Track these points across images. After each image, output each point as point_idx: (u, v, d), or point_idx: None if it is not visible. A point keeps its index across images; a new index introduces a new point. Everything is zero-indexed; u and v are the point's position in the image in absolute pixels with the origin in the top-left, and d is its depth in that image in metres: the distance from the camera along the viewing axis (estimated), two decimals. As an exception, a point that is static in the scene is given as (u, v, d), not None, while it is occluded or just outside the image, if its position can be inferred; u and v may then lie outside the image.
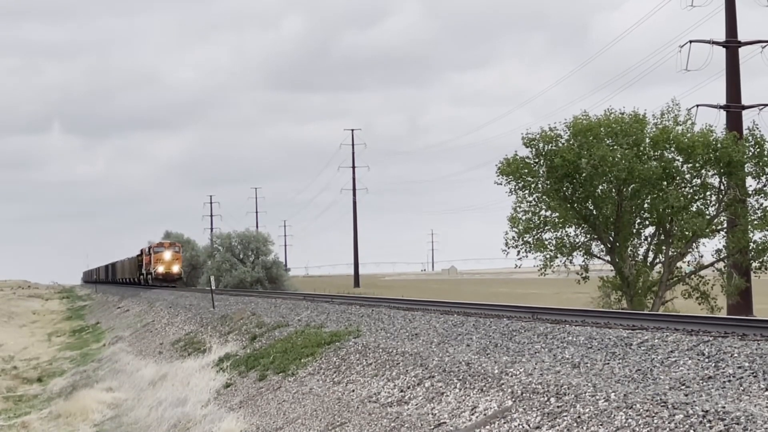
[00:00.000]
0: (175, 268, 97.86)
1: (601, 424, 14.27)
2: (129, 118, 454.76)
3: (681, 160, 45.27)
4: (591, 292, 47.68)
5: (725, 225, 46.74)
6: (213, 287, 56.67)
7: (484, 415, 16.98)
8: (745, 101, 54.44)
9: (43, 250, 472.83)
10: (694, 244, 46.00)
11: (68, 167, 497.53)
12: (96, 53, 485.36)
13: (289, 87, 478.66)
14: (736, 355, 16.24)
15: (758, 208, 45.36)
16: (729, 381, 14.98)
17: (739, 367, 15.49)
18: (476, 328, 24.53)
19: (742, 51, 55.32)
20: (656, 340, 18.60)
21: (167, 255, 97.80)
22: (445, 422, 17.62)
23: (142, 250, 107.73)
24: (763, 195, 45.32)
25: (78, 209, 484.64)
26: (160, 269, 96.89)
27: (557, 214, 45.53)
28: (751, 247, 45.48)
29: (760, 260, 45.50)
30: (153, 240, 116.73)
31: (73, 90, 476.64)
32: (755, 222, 45.16)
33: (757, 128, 46.09)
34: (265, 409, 24.69)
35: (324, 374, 25.21)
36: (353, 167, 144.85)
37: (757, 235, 45.50)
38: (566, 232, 46.33)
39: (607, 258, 46.22)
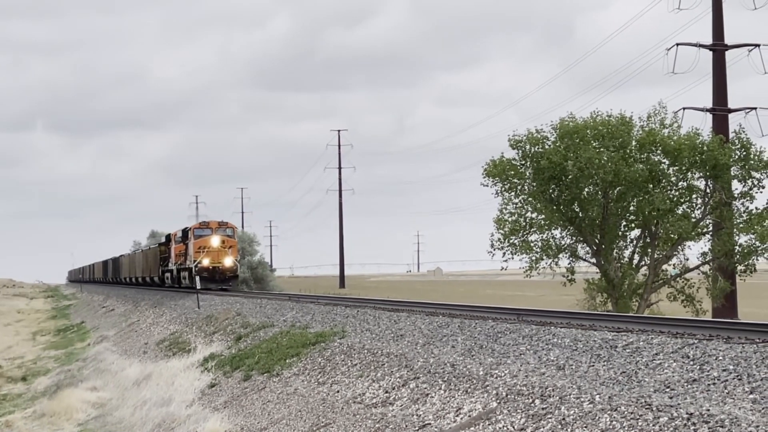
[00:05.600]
0: (228, 261, 65.59)
1: (585, 427, 14.27)
2: (114, 116, 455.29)
3: (667, 162, 45.36)
4: (576, 294, 47.74)
5: (711, 228, 46.84)
6: (198, 287, 56.47)
7: (469, 416, 16.96)
8: (731, 104, 54.64)
9: (27, 249, 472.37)
10: (679, 247, 46.12)
11: (53, 165, 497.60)
12: (82, 51, 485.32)
13: (275, 86, 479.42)
14: (720, 358, 16.25)
15: (744, 212, 45.49)
16: (714, 384, 14.99)
17: (724, 370, 15.50)
18: (461, 329, 24.52)
19: (729, 54, 55.54)
20: (641, 343, 18.60)
21: (214, 241, 65.52)
22: (429, 423, 17.61)
23: (169, 236, 77.18)
24: (748, 198, 45.44)
25: (63, 208, 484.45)
26: (205, 262, 65.08)
27: (543, 216, 45.59)
28: (736, 251, 45.60)
29: (746, 263, 45.62)
30: (139, 239, 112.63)
31: (59, 88, 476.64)
32: (741, 225, 45.29)
33: (743, 131, 46.28)
34: (249, 409, 24.66)
35: (309, 375, 25.18)
36: (339, 168, 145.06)
37: (742, 239, 45.64)
38: (552, 234, 46.41)
39: (593, 260, 46.29)
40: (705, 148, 44.87)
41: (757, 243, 44.89)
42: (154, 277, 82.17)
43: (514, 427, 15.56)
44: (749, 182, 45.27)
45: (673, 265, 47.56)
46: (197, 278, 58.56)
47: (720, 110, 53.96)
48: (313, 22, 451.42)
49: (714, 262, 46.50)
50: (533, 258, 45.68)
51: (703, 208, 46.08)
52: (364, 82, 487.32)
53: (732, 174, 45.41)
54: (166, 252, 77.22)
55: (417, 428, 17.64)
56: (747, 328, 19.68)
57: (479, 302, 48.05)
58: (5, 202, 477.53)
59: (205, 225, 67.86)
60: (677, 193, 45.67)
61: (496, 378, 18.19)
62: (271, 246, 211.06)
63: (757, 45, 56.22)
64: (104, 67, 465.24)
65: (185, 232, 69.68)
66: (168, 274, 75.11)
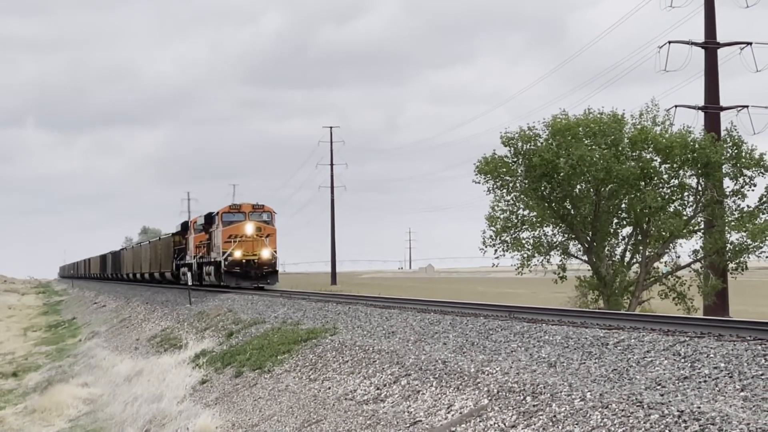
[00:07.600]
0: (266, 253, 54.51)
1: (576, 424, 14.27)
2: (106, 112, 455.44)
3: (659, 160, 45.41)
4: (568, 292, 47.77)
5: (702, 226, 46.89)
6: (190, 283, 56.21)
7: (460, 413, 16.96)
8: (723, 102, 54.64)
9: (18, 245, 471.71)
10: (671, 245, 46.16)
11: (44, 162, 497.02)
12: (74, 48, 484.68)
13: (267, 83, 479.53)
14: (712, 355, 16.26)
15: (735, 210, 45.53)
16: (705, 381, 15.00)
17: (715, 368, 15.51)
18: (453, 326, 24.52)
19: (721, 52, 55.53)
20: (632, 340, 18.61)
21: (249, 228, 54.10)
22: (421, 420, 17.60)
23: (186, 224, 66.23)
24: (740, 196, 45.49)
25: (54, 204, 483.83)
26: (238, 254, 53.95)
27: (535, 213, 45.62)
28: (727, 248, 45.64)
29: (737, 261, 45.67)
30: (131, 235, 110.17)
31: (50, 84, 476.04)
32: (732, 223, 45.33)
33: (735, 129, 46.35)
34: (240, 405, 24.63)
35: (300, 371, 25.16)
36: (331, 165, 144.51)
37: (733, 236, 45.69)
38: (544, 231, 46.45)
39: (585, 258, 46.31)
40: (697, 145, 44.91)
41: (749, 241, 44.94)
42: (165, 273, 71.32)
43: (505, 424, 15.56)
44: (741, 180, 45.34)
45: (665, 262, 47.60)
46: (188, 275, 58.24)
47: (712, 108, 53.96)
48: (305, 19, 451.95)
49: (705, 260, 46.54)
50: (525, 255, 45.72)
51: (694, 205, 46.14)
52: (355, 79, 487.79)
53: (723, 172, 45.47)
54: (181, 243, 66.03)
55: (408, 425, 17.64)
56: (738, 326, 19.70)
57: (471, 299, 48.03)
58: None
59: (236, 209, 55.35)
60: (669, 191, 45.72)
61: (488, 375, 18.19)
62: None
63: (749, 43, 56.24)
64: (96, 63, 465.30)
65: (210, 217, 57.73)
66: (185, 269, 63.47)
